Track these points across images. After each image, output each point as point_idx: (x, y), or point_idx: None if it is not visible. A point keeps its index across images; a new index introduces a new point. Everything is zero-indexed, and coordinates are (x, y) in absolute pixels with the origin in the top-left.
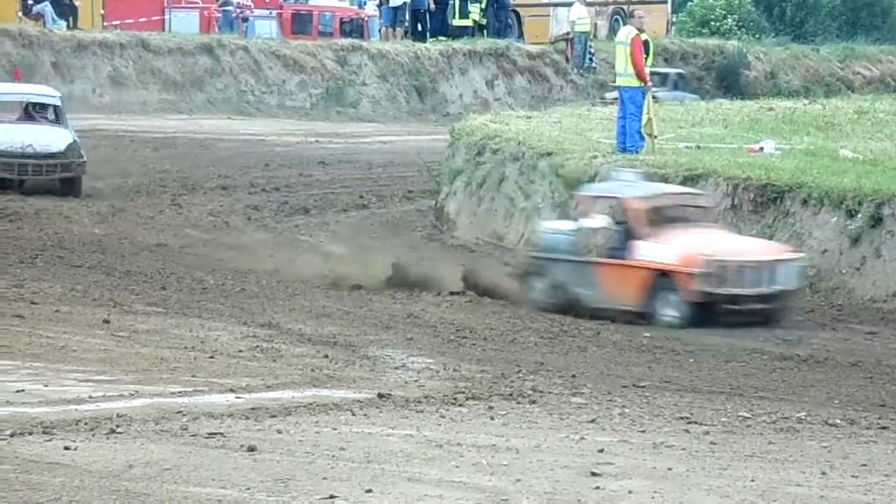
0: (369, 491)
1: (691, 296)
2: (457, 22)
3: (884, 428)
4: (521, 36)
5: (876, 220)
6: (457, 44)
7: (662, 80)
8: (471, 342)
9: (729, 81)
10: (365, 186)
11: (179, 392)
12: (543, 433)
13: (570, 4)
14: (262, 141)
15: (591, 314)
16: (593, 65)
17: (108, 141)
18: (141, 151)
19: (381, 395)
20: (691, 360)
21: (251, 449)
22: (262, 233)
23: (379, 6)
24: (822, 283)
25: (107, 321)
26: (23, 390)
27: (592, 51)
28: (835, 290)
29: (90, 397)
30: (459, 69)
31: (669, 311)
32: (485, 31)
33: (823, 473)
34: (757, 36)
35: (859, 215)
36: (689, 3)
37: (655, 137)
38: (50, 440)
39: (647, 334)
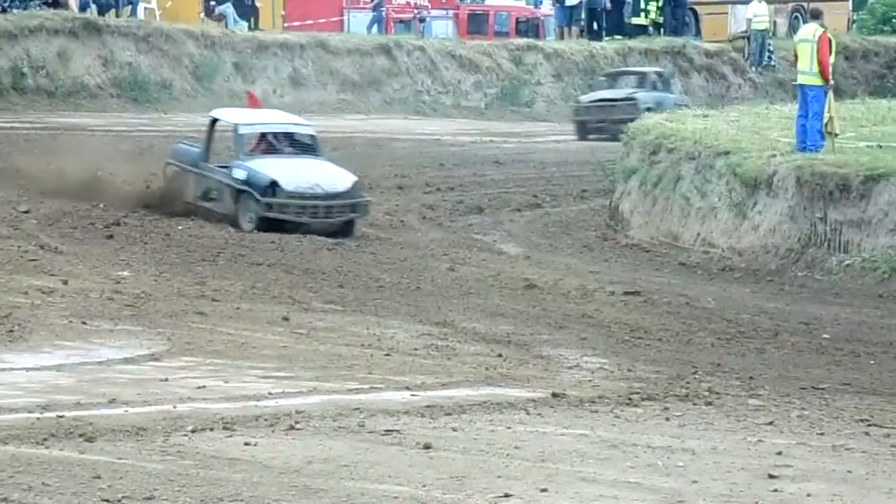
0: (544, 490)
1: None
2: (634, 20)
3: None
4: (698, 34)
5: None
6: (633, 42)
7: (640, 80)
8: (645, 342)
9: None
10: (539, 186)
11: (356, 389)
12: (720, 435)
13: (748, 2)
14: (437, 140)
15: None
16: (772, 63)
17: None
18: None
19: (555, 395)
20: (872, 362)
21: (427, 446)
22: (437, 231)
23: (554, 5)
24: None
25: (286, 318)
26: (204, 386)
27: (772, 49)
28: None
29: (269, 394)
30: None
31: None
32: (662, 30)
33: None
34: None
35: None
36: (870, 1)
37: (837, 136)
38: (230, 436)
39: (827, 336)
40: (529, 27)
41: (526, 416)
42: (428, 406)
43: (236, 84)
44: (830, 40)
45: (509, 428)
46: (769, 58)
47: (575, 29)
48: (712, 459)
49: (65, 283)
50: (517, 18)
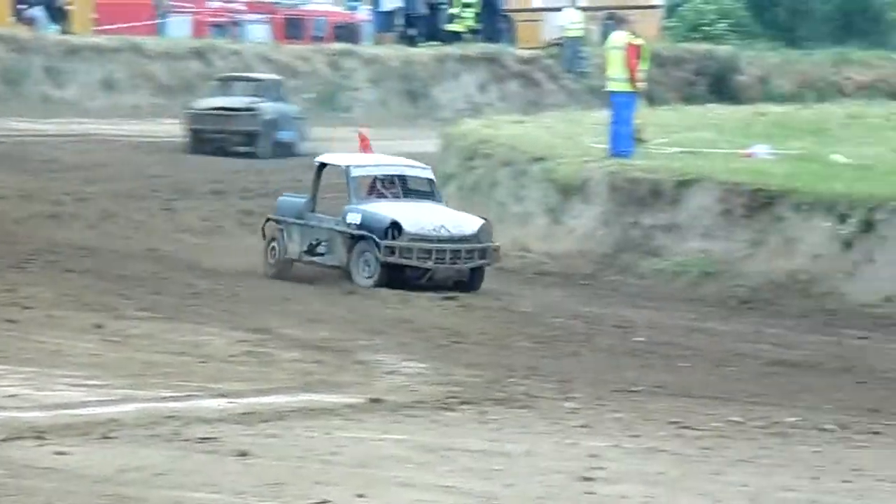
0: (361, 496)
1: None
2: (450, 27)
3: (876, 433)
4: (513, 41)
5: (868, 226)
6: (449, 48)
7: (257, 88)
8: (463, 347)
9: (721, 86)
10: None
11: (171, 397)
12: (535, 438)
13: (562, 9)
14: None
15: None
16: (586, 69)
17: (101, 145)
18: (133, 156)
19: (373, 400)
20: (684, 365)
21: (243, 454)
22: (254, 238)
23: (371, 10)
24: (814, 288)
25: (99, 326)
26: (15, 395)
27: (585, 55)
28: (827, 294)
29: (82, 402)
30: (452, 74)
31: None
32: (477, 36)
33: (815, 478)
34: (749, 41)
35: (851, 220)
36: (679, 8)
37: (646, 142)
38: (42, 445)
39: (640, 339)
40: (346, 32)
41: (344, 421)
42: (244, 413)
43: (46, 88)
44: (638, 47)
45: (327, 434)
46: (583, 64)
47: (392, 35)
48: (528, 462)
49: None
50: (334, 23)
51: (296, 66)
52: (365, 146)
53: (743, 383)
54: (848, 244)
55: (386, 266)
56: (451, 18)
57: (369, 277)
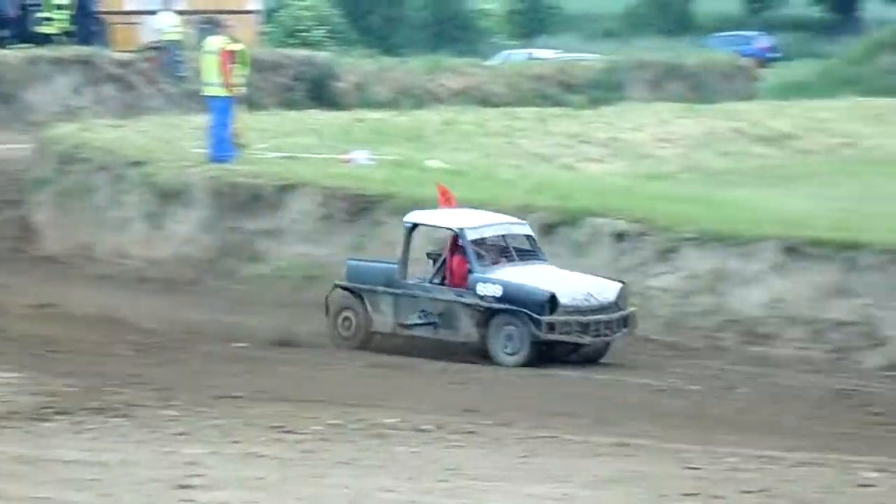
0: None
1: None
2: (41, 28)
3: (471, 432)
4: (108, 43)
5: None
6: (41, 50)
7: None
8: (59, 355)
9: (320, 92)
10: None
11: None
12: (133, 447)
13: (157, 12)
14: None
15: None
16: (184, 74)
17: None
18: None
19: None
20: (285, 369)
21: None
22: None
23: None
24: None
25: None
26: None
27: (182, 59)
28: None
29: None
30: (44, 76)
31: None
32: (71, 39)
33: (412, 479)
34: (346, 47)
35: None
36: (276, 14)
37: (247, 147)
38: None
39: (242, 344)
40: None
41: None
42: None
43: None
44: (233, 52)
45: None
46: (181, 69)
47: None
48: (125, 471)
49: None
50: None
51: None
52: (448, 200)
53: (343, 386)
54: None
55: (538, 342)
56: (43, 21)
57: (513, 354)
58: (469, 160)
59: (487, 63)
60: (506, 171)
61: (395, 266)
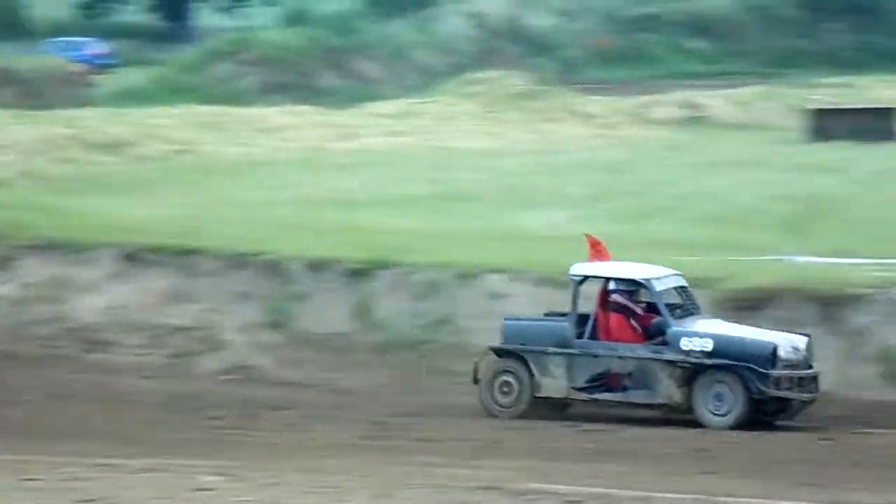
0: None
1: None
2: None
3: None
4: None
5: None
6: None
7: None
8: None
9: None
10: None
11: None
12: None
13: None
14: None
15: None
16: None
17: None
18: None
19: None
20: None
21: None
22: None
23: None
24: None
25: None
26: None
27: None
28: None
29: None
30: None
31: None
32: None
33: None
34: None
35: None
36: None
37: None
38: None
39: None
40: None
41: None
42: None
43: None
44: None
45: None
46: None
47: None
48: None
49: None
50: None
51: None
52: (598, 253)
53: None
54: None
55: (761, 400)
56: None
57: (725, 415)
58: None
59: None
60: None
61: (565, 324)
